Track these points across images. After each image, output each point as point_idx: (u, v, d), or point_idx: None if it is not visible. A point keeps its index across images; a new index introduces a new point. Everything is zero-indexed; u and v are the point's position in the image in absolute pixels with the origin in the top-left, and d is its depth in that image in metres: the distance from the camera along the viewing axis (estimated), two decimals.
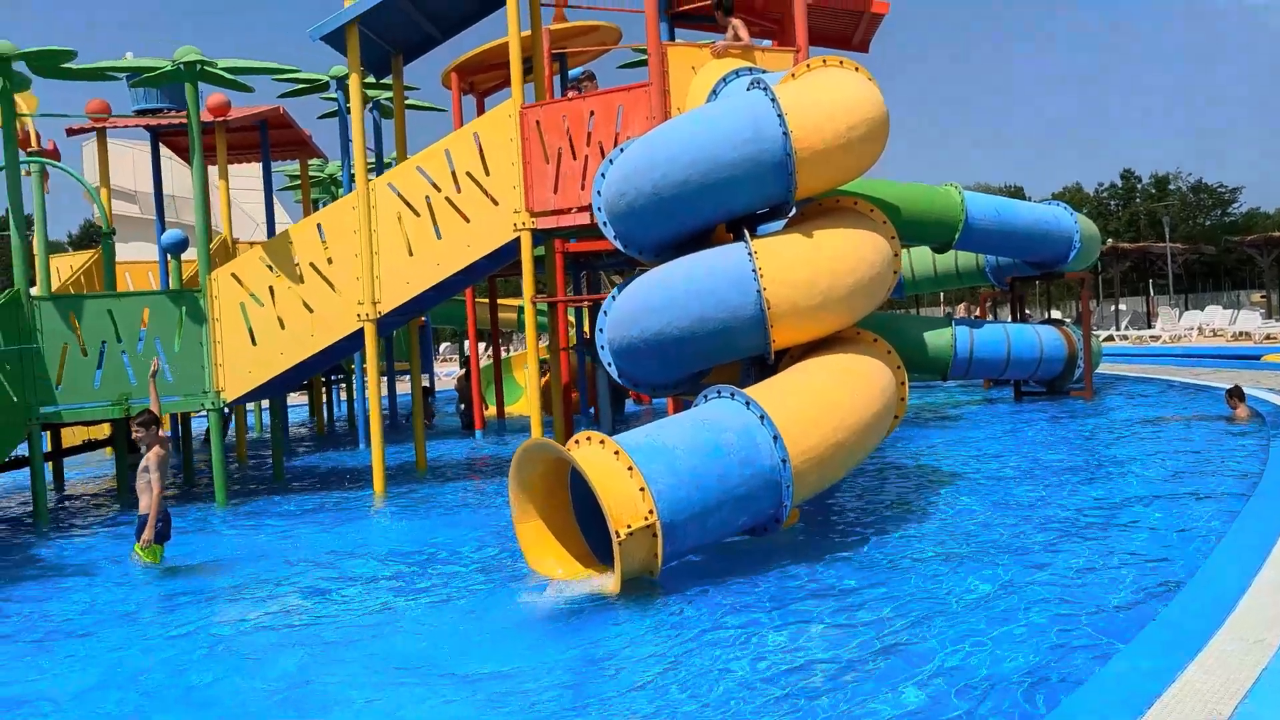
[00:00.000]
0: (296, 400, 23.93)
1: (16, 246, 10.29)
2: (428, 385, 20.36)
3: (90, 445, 14.10)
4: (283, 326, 10.91)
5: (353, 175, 12.38)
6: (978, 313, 21.77)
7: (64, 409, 10.39)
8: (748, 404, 7.06)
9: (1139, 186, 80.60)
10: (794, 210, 8.73)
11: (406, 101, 16.94)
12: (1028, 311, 44.42)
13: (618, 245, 8.60)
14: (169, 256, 13.75)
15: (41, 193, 13.23)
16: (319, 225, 10.97)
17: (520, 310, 20.05)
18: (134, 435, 8.04)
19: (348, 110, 15.93)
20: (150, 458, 7.81)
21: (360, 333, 10.98)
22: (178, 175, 30.03)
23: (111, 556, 8.37)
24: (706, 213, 8.06)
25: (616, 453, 6.45)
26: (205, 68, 10.75)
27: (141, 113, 15.38)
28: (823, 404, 7.38)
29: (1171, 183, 78.70)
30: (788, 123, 7.69)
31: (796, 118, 7.74)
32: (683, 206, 7.97)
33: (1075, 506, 8.09)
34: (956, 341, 15.22)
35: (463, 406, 18.20)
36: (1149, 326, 38.06)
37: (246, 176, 24.60)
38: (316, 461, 14.35)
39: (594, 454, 6.51)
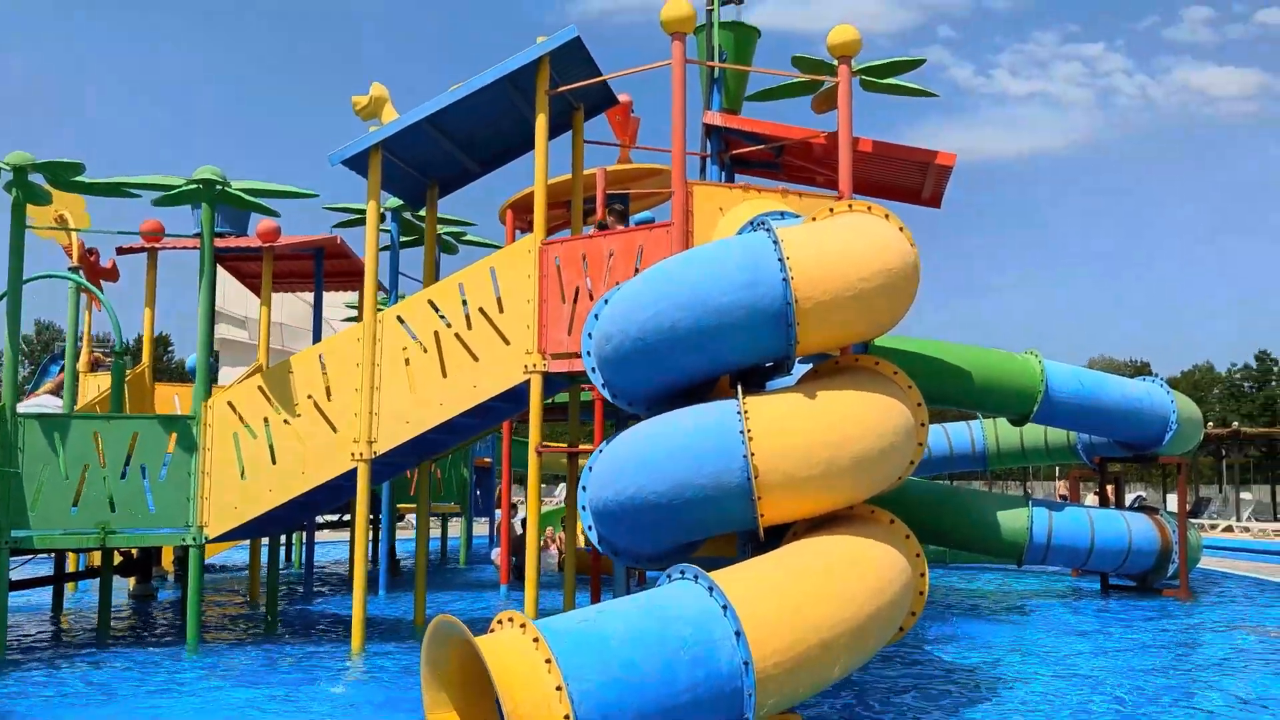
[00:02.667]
0: (338, 537, 23.21)
1: (9, 361, 9.89)
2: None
3: (89, 573, 13.53)
4: (274, 461, 10.22)
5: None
6: (1065, 494, 20.11)
7: (36, 534, 9.79)
8: (710, 589, 5.95)
9: (1276, 369, 76.72)
10: (807, 366, 7.78)
11: (464, 237, 16.67)
12: (1142, 495, 41.61)
13: (606, 395, 7.71)
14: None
15: (76, 309, 13.01)
16: (320, 356, 10.36)
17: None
18: None
19: (401, 243, 15.69)
20: None
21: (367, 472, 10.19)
22: (287, 302, 30.54)
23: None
24: (696, 363, 7.12)
25: (536, 640, 5.40)
26: (223, 188, 10.41)
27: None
28: (807, 595, 6.22)
29: None
30: (789, 267, 6.78)
31: (801, 262, 6.83)
32: (669, 354, 7.05)
33: None
34: (1033, 524, 13.74)
35: (495, 554, 17.26)
36: (1276, 519, 35.20)
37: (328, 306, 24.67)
38: (327, 607, 13.49)
39: (507, 641, 5.46)
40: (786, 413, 6.83)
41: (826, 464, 6.67)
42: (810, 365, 8.00)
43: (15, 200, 9.85)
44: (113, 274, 15.89)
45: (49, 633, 11.29)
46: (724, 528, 7.09)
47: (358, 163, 10.38)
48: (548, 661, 5.28)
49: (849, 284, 6.89)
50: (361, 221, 16.08)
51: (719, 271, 6.92)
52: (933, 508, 14.15)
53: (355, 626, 9.97)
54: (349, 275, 16.51)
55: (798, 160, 12.65)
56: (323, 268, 15.33)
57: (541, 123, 10.00)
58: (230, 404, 10.33)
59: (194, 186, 10.32)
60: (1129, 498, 39.94)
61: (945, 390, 13.45)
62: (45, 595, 13.21)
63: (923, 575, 7.17)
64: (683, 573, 6.21)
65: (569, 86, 10.20)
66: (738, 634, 5.75)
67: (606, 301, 7.71)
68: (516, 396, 10.24)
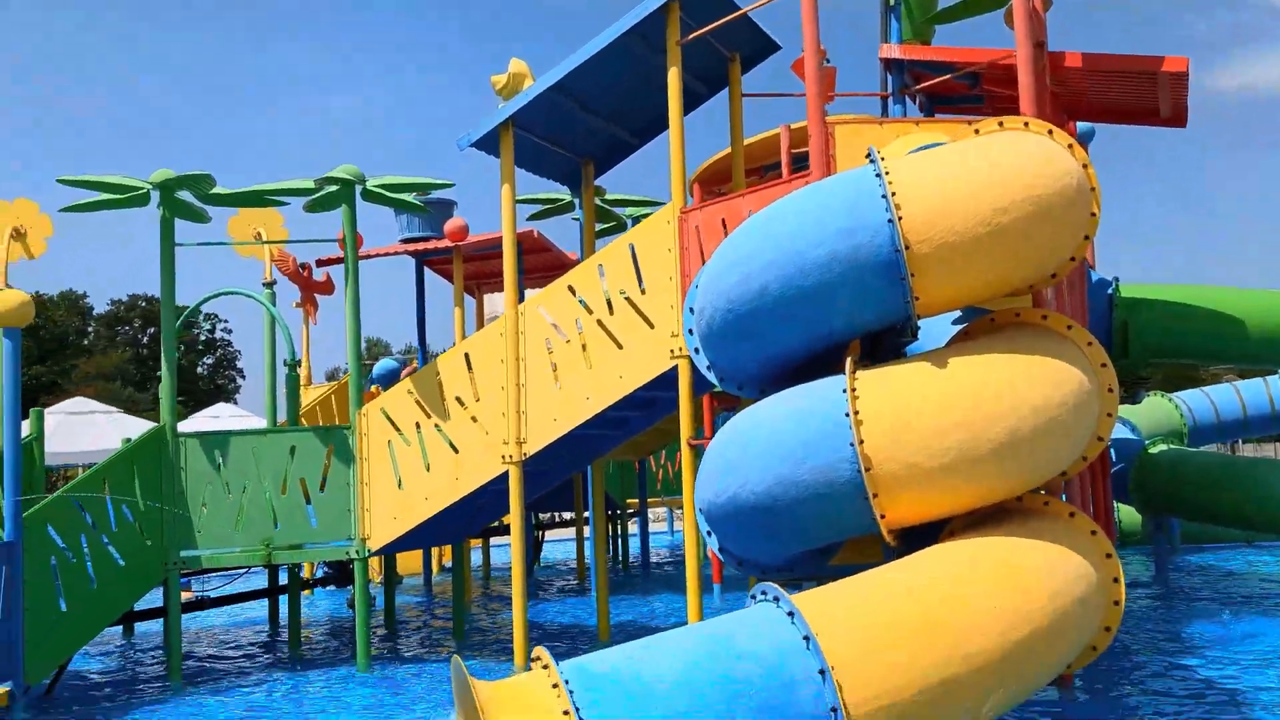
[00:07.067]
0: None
1: (167, 381, 9.89)
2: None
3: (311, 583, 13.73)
4: (428, 468, 9.72)
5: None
6: None
7: (204, 553, 9.77)
8: (791, 615, 4.74)
9: None
10: (957, 328, 6.32)
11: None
12: None
13: (712, 378, 6.57)
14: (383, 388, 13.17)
15: (272, 327, 13.15)
16: (466, 355, 9.75)
17: None
18: None
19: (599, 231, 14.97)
20: None
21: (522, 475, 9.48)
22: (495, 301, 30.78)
23: None
24: (794, 332, 5.84)
25: (556, 685, 4.42)
26: (364, 187, 10.04)
27: (406, 241, 15.24)
28: (926, 619, 4.86)
29: None
30: (896, 205, 5.41)
31: (913, 198, 5.44)
32: (764, 325, 5.83)
33: None
34: None
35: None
36: None
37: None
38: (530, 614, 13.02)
39: (522, 688, 4.51)
40: (908, 388, 5.46)
41: (960, 449, 5.25)
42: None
43: (163, 218, 9.83)
44: (328, 287, 16.16)
45: (262, 643, 11.35)
46: (842, 532, 5.79)
47: (489, 144, 9.69)
48: (565, 714, 4.28)
49: (982, 219, 5.42)
50: (558, 211, 15.53)
51: (813, 219, 5.63)
52: (1211, 485, 12.04)
53: (517, 639, 9.31)
54: (554, 269, 15.98)
55: (1002, 90, 10.90)
56: (522, 264, 14.89)
57: (674, 76, 8.91)
58: (384, 411, 9.93)
59: (333, 189, 9.97)
60: None
61: (1211, 345, 11.33)
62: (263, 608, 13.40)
63: (1116, 581, 5.60)
64: (764, 593, 5.03)
65: (698, 32, 9.03)
66: (823, 672, 4.52)
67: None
68: (671, 383, 9.22)
